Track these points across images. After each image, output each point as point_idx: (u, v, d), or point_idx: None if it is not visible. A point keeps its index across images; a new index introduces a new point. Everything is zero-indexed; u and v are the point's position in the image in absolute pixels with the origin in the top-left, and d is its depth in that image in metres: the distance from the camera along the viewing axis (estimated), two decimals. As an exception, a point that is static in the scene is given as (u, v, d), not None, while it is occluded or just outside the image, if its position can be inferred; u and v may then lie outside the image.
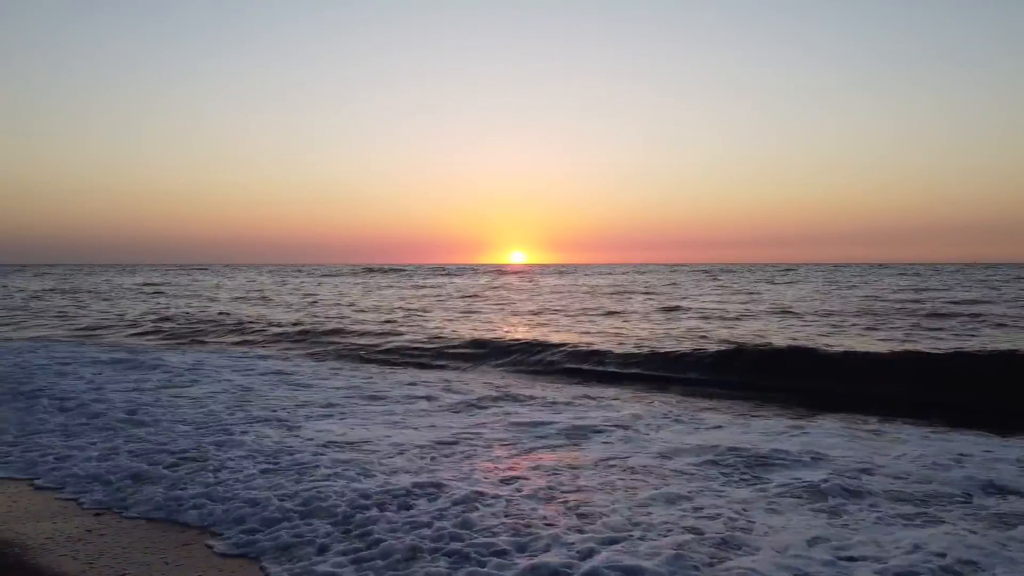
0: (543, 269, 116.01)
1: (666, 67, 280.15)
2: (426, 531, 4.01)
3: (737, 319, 19.15)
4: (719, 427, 6.99)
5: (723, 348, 12.21)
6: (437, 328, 17.55)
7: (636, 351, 12.59)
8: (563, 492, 4.75)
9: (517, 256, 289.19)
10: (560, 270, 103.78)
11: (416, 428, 6.88)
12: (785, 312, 21.07)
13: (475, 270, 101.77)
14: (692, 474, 5.25)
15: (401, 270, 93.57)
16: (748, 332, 15.69)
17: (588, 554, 3.68)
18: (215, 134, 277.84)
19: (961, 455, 5.71)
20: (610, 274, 77.56)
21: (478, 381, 10.50)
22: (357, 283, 50.70)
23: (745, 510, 4.43)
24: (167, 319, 20.78)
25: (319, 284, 48.69)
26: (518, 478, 5.08)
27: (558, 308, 24.62)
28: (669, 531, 4.02)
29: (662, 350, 12.49)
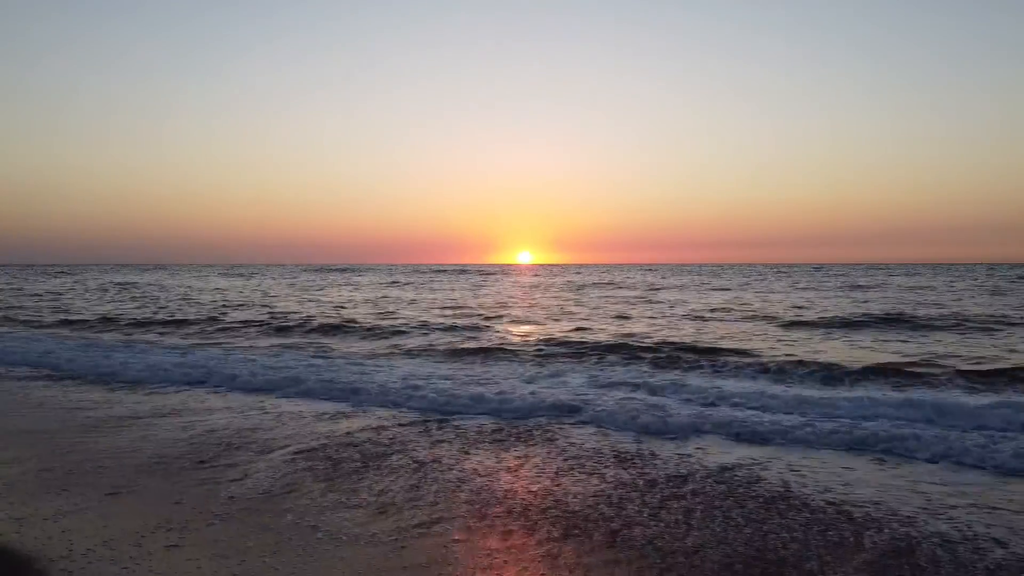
0: (541, 269, 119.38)
1: (672, 68, 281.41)
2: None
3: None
4: None
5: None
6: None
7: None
8: None
9: (524, 256, 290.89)
10: (544, 270, 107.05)
11: None
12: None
13: (457, 271, 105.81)
14: None
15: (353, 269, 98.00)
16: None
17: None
18: (230, 136, 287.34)
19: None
20: (584, 273, 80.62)
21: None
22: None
23: None
24: None
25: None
26: None
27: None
28: None
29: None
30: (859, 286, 35.97)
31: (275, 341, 14.69)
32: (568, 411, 7.39)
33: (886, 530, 4.00)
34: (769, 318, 18.36)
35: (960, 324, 16.14)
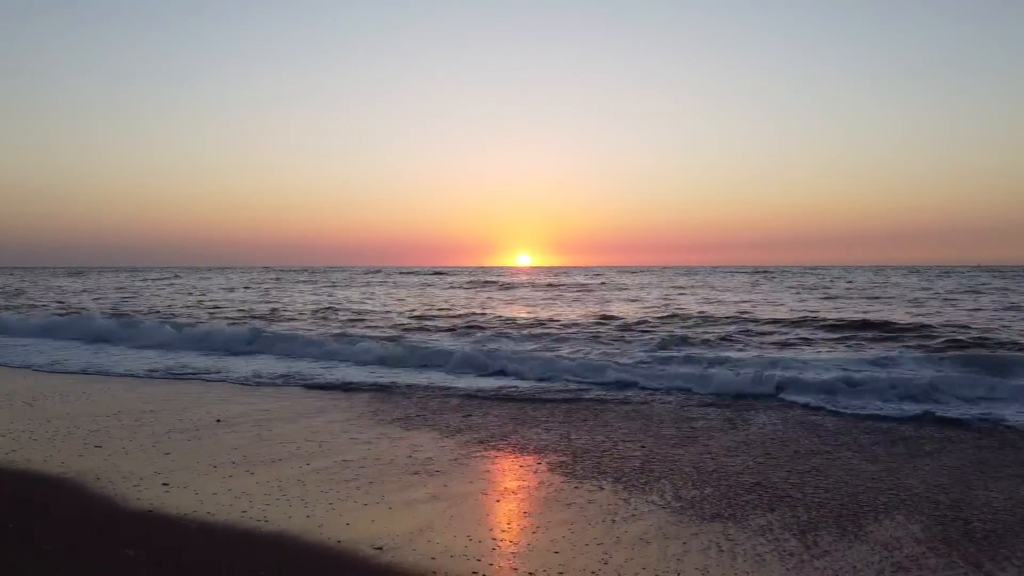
0: (534, 272, 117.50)
1: (671, 70, 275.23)
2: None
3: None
4: None
5: None
6: None
7: None
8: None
9: (523, 259, 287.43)
10: (535, 272, 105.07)
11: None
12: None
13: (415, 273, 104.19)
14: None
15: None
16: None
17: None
18: (226, 138, 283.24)
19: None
20: (567, 275, 79.09)
21: None
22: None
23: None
24: None
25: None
26: None
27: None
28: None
29: None
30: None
31: None
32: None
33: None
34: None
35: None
